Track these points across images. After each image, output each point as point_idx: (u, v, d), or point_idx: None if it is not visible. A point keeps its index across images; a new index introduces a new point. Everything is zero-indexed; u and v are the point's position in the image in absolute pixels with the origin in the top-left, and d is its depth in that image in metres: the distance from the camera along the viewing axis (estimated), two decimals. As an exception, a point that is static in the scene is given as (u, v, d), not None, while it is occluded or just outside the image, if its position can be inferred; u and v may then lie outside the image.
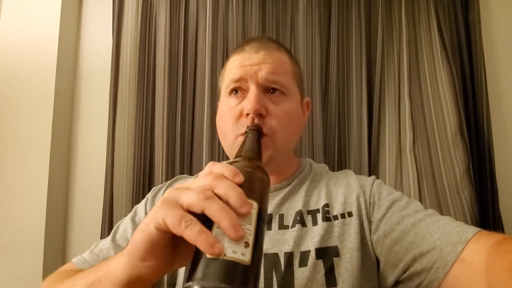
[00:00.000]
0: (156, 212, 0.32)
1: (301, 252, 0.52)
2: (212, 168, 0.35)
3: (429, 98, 1.05)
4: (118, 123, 1.02)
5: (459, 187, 0.98)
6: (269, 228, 0.56)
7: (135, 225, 0.61)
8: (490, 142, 1.04)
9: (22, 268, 0.94)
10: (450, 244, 0.42)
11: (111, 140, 1.01)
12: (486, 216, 1.01)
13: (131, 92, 1.03)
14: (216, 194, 0.31)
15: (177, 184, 0.66)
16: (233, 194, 0.30)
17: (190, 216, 0.30)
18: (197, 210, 0.30)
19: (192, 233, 0.28)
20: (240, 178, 0.33)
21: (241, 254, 0.28)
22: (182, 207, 0.31)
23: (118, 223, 0.65)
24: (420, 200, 0.98)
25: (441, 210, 0.98)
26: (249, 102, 0.55)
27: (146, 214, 0.62)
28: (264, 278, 0.51)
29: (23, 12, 1.05)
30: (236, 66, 0.60)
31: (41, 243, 0.95)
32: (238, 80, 0.58)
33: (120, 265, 0.34)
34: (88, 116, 1.10)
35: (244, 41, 0.69)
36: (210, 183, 0.32)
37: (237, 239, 0.29)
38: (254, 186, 0.34)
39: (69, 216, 1.06)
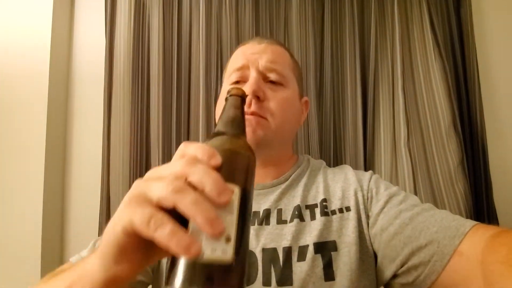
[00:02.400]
0: (122, 212, 0.28)
1: (299, 246, 0.53)
2: (185, 150, 0.31)
3: (423, 93, 1.06)
4: (113, 126, 1.01)
5: (454, 180, 0.99)
6: (267, 223, 0.56)
7: None
8: (484, 135, 1.05)
9: (20, 270, 0.94)
10: (448, 238, 0.42)
11: (107, 143, 1.01)
12: (480, 209, 1.02)
13: (125, 95, 1.02)
14: (190, 182, 0.27)
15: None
16: (209, 181, 0.26)
17: (160, 214, 0.26)
18: (168, 205, 0.26)
19: (163, 235, 0.25)
20: (217, 160, 0.28)
21: (221, 252, 0.25)
22: (151, 203, 0.27)
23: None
24: (415, 194, 0.99)
25: (436, 203, 0.99)
26: (248, 85, 0.57)
27: None
28: (263, 273, 0.51)
29: (15, 16, 1.04)
30: (239, 55, 0.64)
31: (38, 246, 0.95)
32: (241, 68, 0.61)
33: (95, 266, 0.31)
34: (82, 120, 1.09)
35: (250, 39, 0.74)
36: (182, 170, 0.28)
37: (216, 236, 0.25)
38: (235, 166, 0.30)
39: (66, 220, 1.05)
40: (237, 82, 0.62)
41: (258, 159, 0.62)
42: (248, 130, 0.56)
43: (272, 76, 0.61)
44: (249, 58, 0.61)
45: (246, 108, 0.55)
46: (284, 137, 0.64)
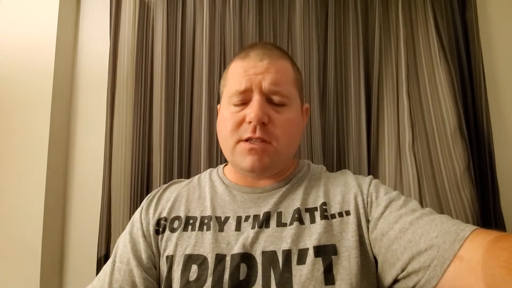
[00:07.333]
0: None
1: (299, 249, 0.53)
2: None
3: (428, 97, 1.05)
4: (116, 127, 1.02)
5: (460, 186, 0.98)
6: (267, 226, 0.56)
7: (132, 238, 0.60)
8: (490, 139, 1.03)
9: (20, 275, 0.94)
10: (448, 242, 0.42)
11: (109, 144, 1.01)
12: (487, 214, 1.00)
13: (128, 96, 1.03)
14: None
15: (172, 188, 0.67)
16: None
17: None
18: None
19: None
20: None
21: None
22: None
23: (119, 238, 0.63)
24: (421, 199, 0.97)
25: (442, 208, 0.98)
26: (252, 110, 0.57)
27: (141, 224, 0.61)
28: (262, 276, 0.51)
29: (21, 17, 1.06)
30: (240, 73, 0.61)
31: (38, 245, 0.95)
32: (244, 91, 0.59)
33: None
34: (85, 120, 1.10)
35: (248, 46, 0.70)
36: None
37: None
38: None
39: (66, 221, 1.06)
40: (240, 104, 0.61)
41: (262, 176, 0.63)
42: (255, 158, 0.57)
43: (276, 99, 0.60)
44: (252, 79, 0.59)
45: (251, 134, 0.57)
46: (289, 156, 0.65)
